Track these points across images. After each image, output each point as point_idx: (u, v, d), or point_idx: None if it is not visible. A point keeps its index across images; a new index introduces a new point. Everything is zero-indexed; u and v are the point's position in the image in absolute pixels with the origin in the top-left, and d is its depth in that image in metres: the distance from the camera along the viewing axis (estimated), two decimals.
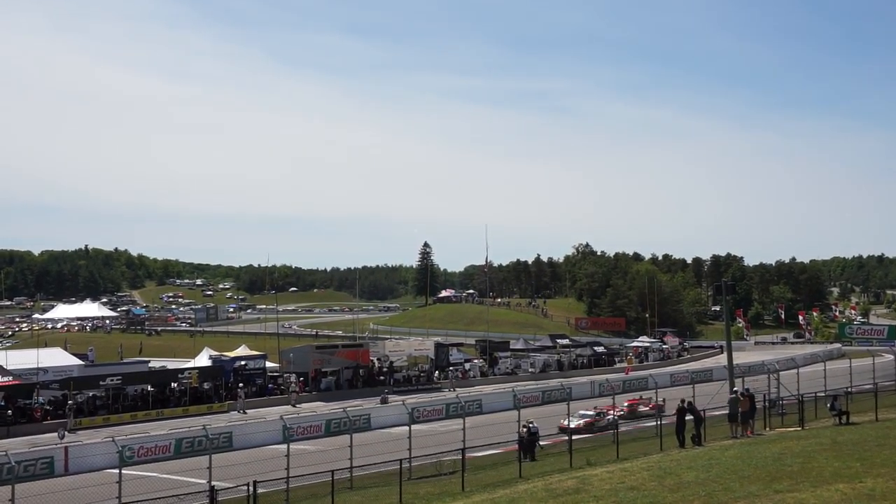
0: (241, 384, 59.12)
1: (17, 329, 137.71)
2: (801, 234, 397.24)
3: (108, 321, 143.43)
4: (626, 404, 47.84)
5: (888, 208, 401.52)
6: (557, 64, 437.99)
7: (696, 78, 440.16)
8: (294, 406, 57.64)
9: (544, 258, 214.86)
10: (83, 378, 54.42)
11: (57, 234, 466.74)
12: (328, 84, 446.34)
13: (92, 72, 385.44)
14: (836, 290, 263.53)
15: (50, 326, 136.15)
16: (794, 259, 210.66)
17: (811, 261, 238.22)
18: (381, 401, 58.13)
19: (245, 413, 54.53)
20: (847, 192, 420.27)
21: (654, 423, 36.12)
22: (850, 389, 46.37)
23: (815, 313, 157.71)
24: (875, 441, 25.38)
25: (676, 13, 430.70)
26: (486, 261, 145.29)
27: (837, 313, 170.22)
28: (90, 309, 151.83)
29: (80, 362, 64.55)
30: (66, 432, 45.86)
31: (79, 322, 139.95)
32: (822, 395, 41.83)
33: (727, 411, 34.06)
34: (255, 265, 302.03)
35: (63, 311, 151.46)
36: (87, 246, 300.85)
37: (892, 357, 67.38)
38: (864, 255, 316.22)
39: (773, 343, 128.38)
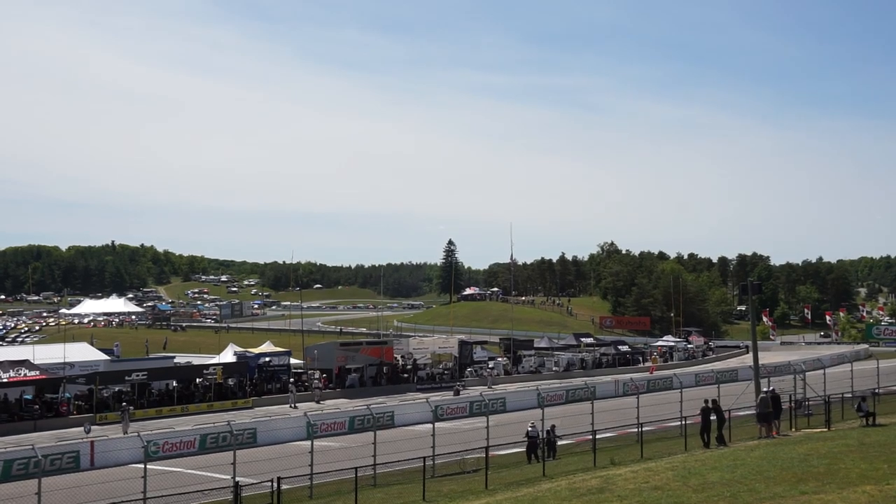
0: (316, 376, 61.71)
1: (44, 324, 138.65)
2: (828, 233, 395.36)
3: (133, 317, 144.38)
4: None
5: None
6: (584, 60, 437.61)
7: (722, 75, 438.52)
8: (318, 403, 57.82)
9: (569, 256, 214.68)
10: (109, 373, 54.78)
11: (84, 230, 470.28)
12: (352, 80, 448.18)
13: (120, 68, 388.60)
14: (863, 291, 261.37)
15: (76, 321, 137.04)
16: (820, 259, 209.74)
17: (838, 261, 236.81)
18: (454, 393, 61.31)
19: (320, 403, 57.15)
20: (875, 192, 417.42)
21: (679, 423, 35.96)
22: (877, 390, 46.03)
23: (841, 314, 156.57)
24: None
25: (703, 9, 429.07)
26: (511, 258, 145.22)
27: (865, 314, 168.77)
28: (116, 304, 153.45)
29: (106, 357, 64.99)
30: (91, 427, 46.23)
31: (105, 317, 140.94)
32: (849, 396, 41.55)
33: (756, 411, 33.87)
34: (280, 262, 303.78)
35: (89, 307, 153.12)
36: (113, 242, 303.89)
37: None
38: (893, 256, 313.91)
39: (799, 343, 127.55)
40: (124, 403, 48.55)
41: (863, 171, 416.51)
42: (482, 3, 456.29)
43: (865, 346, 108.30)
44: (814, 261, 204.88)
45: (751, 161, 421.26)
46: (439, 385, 66.37)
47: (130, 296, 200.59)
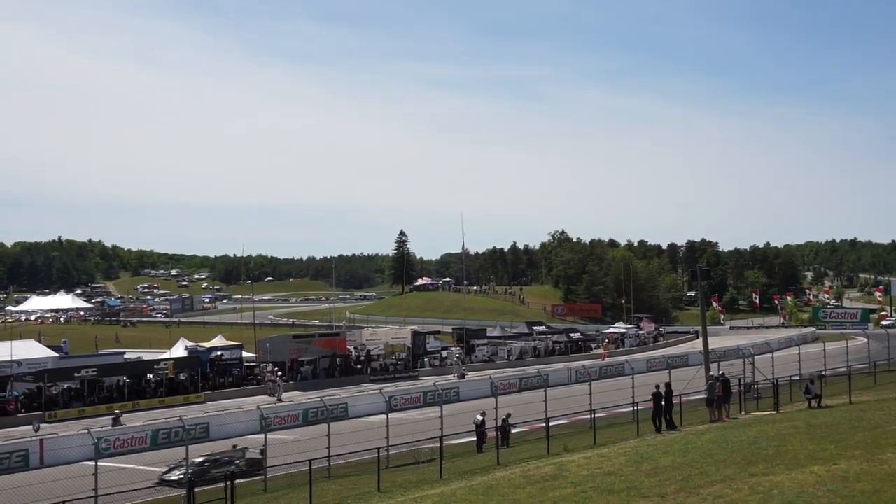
0: (278, 371, 60.70)
1: None
2: (775, 218, 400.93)
3: (82, 312, 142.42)
4: None
5: (860, 193, 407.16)
6: (533, 51, 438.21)
7: (671, 65, 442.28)
8: (272, 396, 57.30)
9: (520, 245, 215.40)
10: (58, 370, 53.98)
11: (30, 226, 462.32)
12: (301, 72, 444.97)
13: (64, 61, 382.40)
14: (809, 275, 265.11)
15: (24, 318, 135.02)
16: (768, 244, 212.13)
17: (785, 245, 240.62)
18: (458, 376, 63.78)
19: (281, 399, 55.16)
20: (820, 177, 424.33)
21: (631, 409, 36.29)
22: (824, 373, 46.72)
23: (789, 298, 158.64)
24: (848, 424, 25.60)
25: (649, 0, 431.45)
26: (463, 248, 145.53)
27: (811, 297, 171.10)
28: (64, 301, 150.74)
29: (55, 354, 64.00)
30: (40, 425, 45.57)
31: (53, 314, 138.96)
32: (797, 378, 42.17)
33: (705, 396, 34.30)
34: (231, 255, 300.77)
35: (36, 303, 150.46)
36: (60, 237, 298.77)
37: (864, 340, 67.87)
38: (838, 240, 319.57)
39: (747, 328, 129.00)
40: (117, 411, 47.03)
41: (808, 157, 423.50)
42: None
43: (812, 329, 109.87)
44: (761, 246, 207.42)
45: (698, 149, 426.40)
46: (393, 376, 66.29)
47: (79, 292, 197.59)
